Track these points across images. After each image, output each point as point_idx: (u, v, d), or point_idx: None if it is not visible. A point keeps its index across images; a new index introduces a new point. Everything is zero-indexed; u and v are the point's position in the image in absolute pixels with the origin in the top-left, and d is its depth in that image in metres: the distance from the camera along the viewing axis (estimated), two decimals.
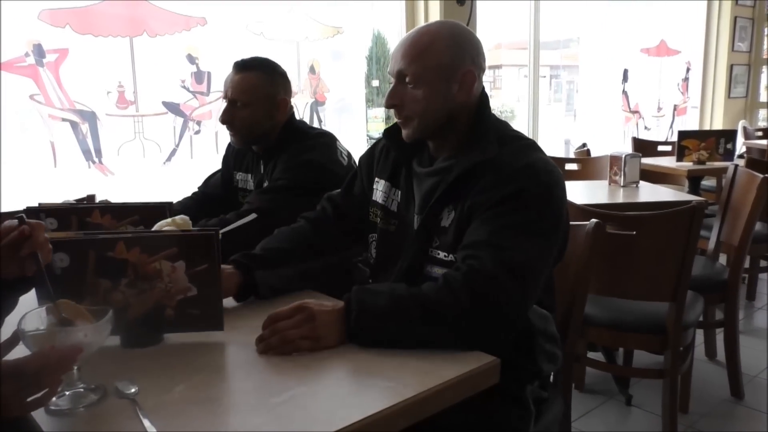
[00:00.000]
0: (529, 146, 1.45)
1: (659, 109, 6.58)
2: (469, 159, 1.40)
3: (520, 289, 1.26)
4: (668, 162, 4.19)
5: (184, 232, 1.36)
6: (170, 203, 1.66)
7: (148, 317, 1.27)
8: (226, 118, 2.01)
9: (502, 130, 1.47)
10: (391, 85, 1.47)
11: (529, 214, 1.31)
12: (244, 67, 2.00)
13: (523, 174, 1.34)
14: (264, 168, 2.11)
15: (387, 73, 1.51)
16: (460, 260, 1.30)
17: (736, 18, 6.71)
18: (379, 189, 1.60)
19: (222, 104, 2.07)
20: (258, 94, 1.99)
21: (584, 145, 4.35)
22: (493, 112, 1.51)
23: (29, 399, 0.88)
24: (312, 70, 3.88)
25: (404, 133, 1.49)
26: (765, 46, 7.12)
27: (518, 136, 1.48)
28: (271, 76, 2.04)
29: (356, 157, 1.96)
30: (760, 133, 6.02)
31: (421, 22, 4.06)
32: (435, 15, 4.00)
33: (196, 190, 2.34)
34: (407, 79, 1.43)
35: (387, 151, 1.63)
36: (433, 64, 1.41)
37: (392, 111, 1.49)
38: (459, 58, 1.43)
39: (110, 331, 1.09)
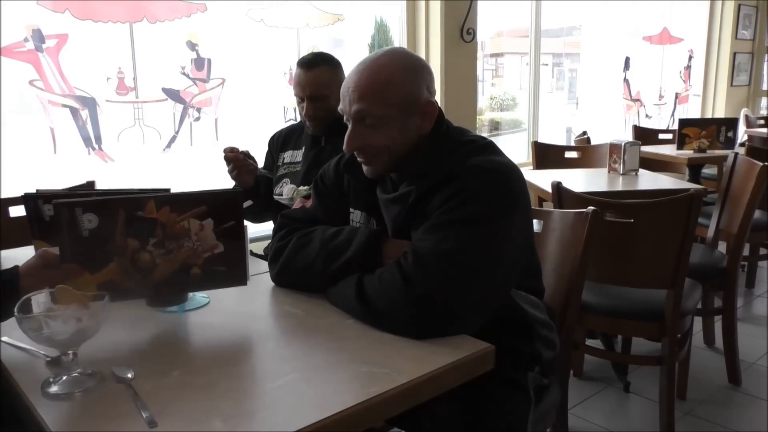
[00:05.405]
0: (480, 148, 1.43)
1: (661, 97, 6.55)
2: (425, 182, 1.38)
3: (454, 274, 1.24)
4: (669, 150, 4.17)
5: (213, 190, 1.34)
6: (167, 190, 1.67)
7: (174, 277, 1.28)
8: (312, 114, 2.18)
9: (456, 139, 1.45)
10: (350, 128, 1.41)
11: (467, 209, 1.29)
12: (313, 64, 2.17)
13: (464, 175, 1.34)
14: (325, 142, 2.23)
15: (339, 110, 1.44)
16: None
17: (739, 6, 6.67)
18: (356, 220, 1.57)
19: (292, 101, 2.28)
20: (331, 86, 2.13)
21: (584, 133, 4.34)
22: (447, 119, 1.48)
23: None
24: None
25: (367, 170, 1.46)
26: None
27: (471, 141, 1.45)
28: (335, 66, 2.20)
29: None
30: (762, 122, 6.00)
31: (422, 10, 4.04)
32: (436, 3, 3.98)
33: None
34: (367, 121, 1.38)
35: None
36: (394, 102, 1.37)
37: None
38: (417, 90, 1.39)
39: (107, 315, 1.10)
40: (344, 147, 1.42)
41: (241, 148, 2.20)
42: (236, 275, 1.34)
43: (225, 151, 2.17)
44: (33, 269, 1.19)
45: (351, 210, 1.59)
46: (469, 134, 1.49)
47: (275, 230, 1.61)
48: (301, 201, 1.87)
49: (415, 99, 1.39)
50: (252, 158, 2.22)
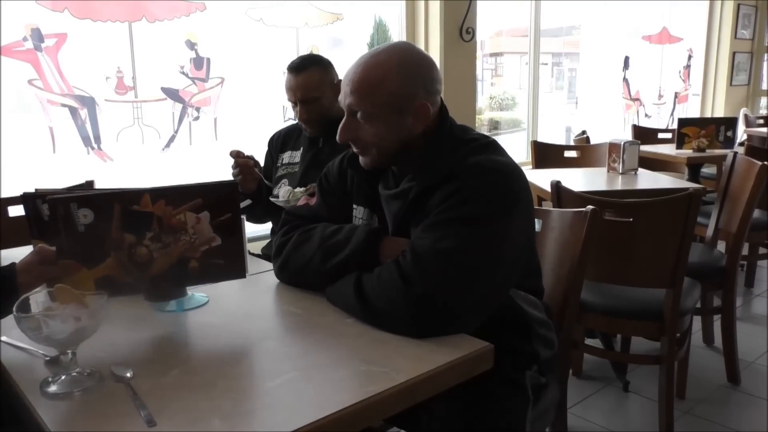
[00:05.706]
0: (481, 147, 1.43)
1: (660, 96, 6.55)
2: (426, 179, 1.38)
3: (453, 273, 1.24)
4: (668, 150, 4.17)
5: (208, 183, 1.34)
6: None
7: (172, 270, 1.27)
8: (305, 117, 2.18)
9: (458, 137, 1.45)
10: (344, 119, 1.43)
11: (467, 208, 1.29)
12: (302, 67, 2.15)
13: (465, 174, 1.33)
14: (323, 142, 2.23)
15: (338, 101, 1.46)
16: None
17: (739, 5, 6.67)
18: (359, 216, 1.57)
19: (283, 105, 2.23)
20: (322, 87, 2.15)
21: (584, 132, 4.34)
22: (451, 116, 1.48)
23: None
24: None
25: (362, 160, 1.47)
26: None
27: (473, 139, 1.45)
28: (325, 67, 2.19)
29: None
30: (761, 121, 6.00)
31: (422, 10, 4.04)
32: (435, 2, 3.98)
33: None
34: (358, 115, 1.39)
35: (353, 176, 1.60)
36: (384, 101, 1.37)
37: None
38: (412, 90, 1.38)
39: (106, 314, 1.10)
40: (337, 137, 1.44)
41: (247, 153, 2.20)
42: (235, 268, 1.34)
43: (232, 154, 2.16)
44: (30, 265, 1.19)
45: (354, 206, 1.60)
46: (472, 133, 1.48)
47: (279, 227, 1.62)
48: (305, 198, 1.88)
49: (408, 99, 1.38)
50: (258, 167, 2.23)
